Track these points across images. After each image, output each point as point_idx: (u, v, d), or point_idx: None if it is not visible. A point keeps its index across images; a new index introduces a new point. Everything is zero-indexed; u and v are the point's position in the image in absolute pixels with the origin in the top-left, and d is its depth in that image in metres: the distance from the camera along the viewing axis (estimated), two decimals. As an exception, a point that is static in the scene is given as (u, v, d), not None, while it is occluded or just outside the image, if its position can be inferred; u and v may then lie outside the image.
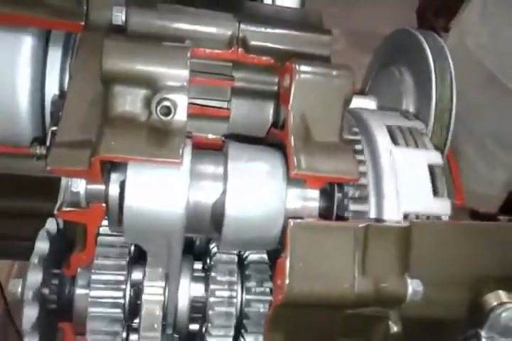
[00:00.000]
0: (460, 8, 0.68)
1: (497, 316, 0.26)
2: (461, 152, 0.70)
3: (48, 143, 0.27)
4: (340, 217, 0.26)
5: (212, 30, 0.29)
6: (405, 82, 0.39)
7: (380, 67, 0.43)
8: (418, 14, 0.83)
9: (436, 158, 0.29)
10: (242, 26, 0.31)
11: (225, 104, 0.31)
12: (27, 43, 0.31)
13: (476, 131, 0.66)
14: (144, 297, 0.27)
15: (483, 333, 0.27)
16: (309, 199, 0.25)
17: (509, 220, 0.32)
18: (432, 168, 0.29)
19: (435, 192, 0.28)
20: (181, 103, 0.24)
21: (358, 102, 0.42)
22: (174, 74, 0.24)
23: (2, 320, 1.28)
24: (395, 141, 0.29)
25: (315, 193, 0.25)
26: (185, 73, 0.25)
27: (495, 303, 0.27)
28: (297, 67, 0.26)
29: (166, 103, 0.23)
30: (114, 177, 0.23)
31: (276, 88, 0.31)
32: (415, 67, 0.38)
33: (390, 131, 0.30)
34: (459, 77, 0.73)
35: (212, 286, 0.26)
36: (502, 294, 0.27)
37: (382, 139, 0.29)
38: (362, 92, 0.45)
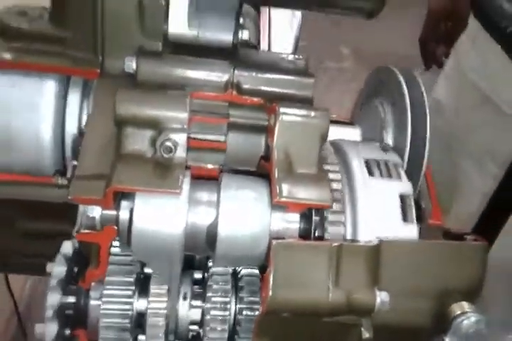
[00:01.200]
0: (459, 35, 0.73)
1: (459, 324, 0.30)
2: (459, 165, 0.73)
3: (69, 175, 0.31)
4: (320, 238, 0.30)
5: (210, 76, 0.34)
6: (386, 115, 0.43)
7: (366, 99, 0.47)
8: (421, 42, 0.88)
9: (407, 188, 0.33)
10: (236, 72, 0.35)
11: (222, 138, 0.36)
12: (50, 87, 0.36)
13: (472, 147, 0.70)
14: (149, 311, 0.31)
15: (447, 339, 0.31)
16: (290, 222, 0.29)
17: (474, 240, 0.36)
18: (402, 197, 0.33)
19: (404, 218, 0.32)
20: (181, 142, 0.29)
21: (344, 132, 0.47)
22: (175, 118, 0.29)
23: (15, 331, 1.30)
24: (370, 172, 0.33)
25: (295, 217, 0.29)
26: (184, 117, 0.29)
27: (458, 312, 0.31)
28: (280, 109, 0.31)
29: (168, 143, 0.27)
30: (124, 205, 0.28)
31: (266, 123, 0.36)
32: (394, 101, 0.42)
33: (367, 162, 0.34)
34: (456, 98, 0.77)
35: (208, 294, 0.30)
36: (465, 304, 0.31)
37: (359, 170, 0.33)
38: (351, 122, 0.49)
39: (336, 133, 0.45)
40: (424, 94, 0.42)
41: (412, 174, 0.41)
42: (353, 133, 0.47)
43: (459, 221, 0.74)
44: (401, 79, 0.42)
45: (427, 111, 0.41)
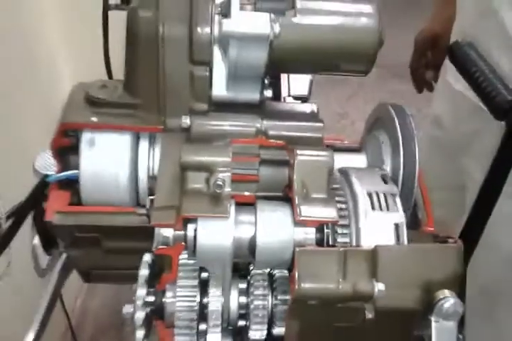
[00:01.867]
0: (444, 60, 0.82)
1: (441, 305, 0.39)
2: (465, 171, 0.81)
3: (147, 207, 0.43)
4: (331, 245, 0.40)
5: (245, 127, 0.45)
6: (384, 146, 0.53)
7: (369, 131, 0.57)
8: (411, 69, 0.97)
9: (400, 218, 0.42)
10: (264, 122, 0.46)
11: (255, 172, 0.46)
12: (126, 140, 0.47)
13: (475, 152, 0.77)
14: (210, 303, 0.42)
15: (432, 318, 0.40)
16: (308, 234, 0.39)
17: (454, 242, 0.45)
18: (396, 225, 0.42)
19: (397, 241, 0.42)
20: (227, 179, 0.40)
21: (352, 159, 0.57)
22: (222, 162, 0.40)
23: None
24: (372, 206, 0.42)
25: (312, 230, 0.39)
26: (228, 161, 0.40)
27: (440, 297, 0.40)
28: (297, 151, 0.42)
29: (219, 182, 0.38)
30: (190, 227, 0.39)
31: (288, 159, 0.47)
32: (390, 135, 0.52)
33: (370, 195, 0.43)
34: (452, 110, 0.86)
35: (251, 289, 0.40)
36: (446, 291, 0.40)
37: (363, 202, 0.42)
38: (360, 147, 0.59)
39: (345, 160, 0.56)
40: (413, 126, 0.52)
41: (407, 190, 0.51)
42: (360, 160, 0.57)
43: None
44: (393, 115, 0.53)
45: (416, 144, 0.51)
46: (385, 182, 0.46)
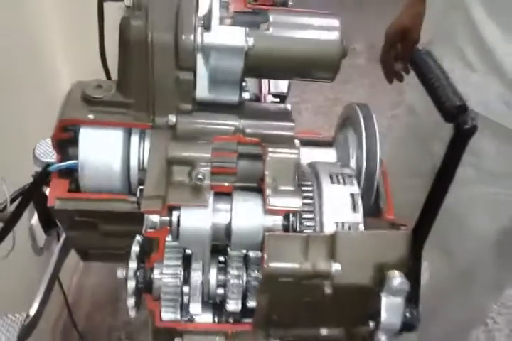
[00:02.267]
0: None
1: (390, 283, 0.46)
2: (437, 154, 0.88)
3: (138, 195, 0.49)
4: (296, 231, 0.47)
5: (225, 126, 0.50)
6: (351, 142, 0.59)
7: (340, 128, 0.63)
8: (381, 61, 1.03)
9: (355, 189, 0.48)
10: (242, 121, 0.51)
11: (233, 165, 0.52)
12: (119, 136, 0.52)
13: (444, 138, 0.83)
14: (192, 278, 0.48)
15: (382, 294, 0.47)
16: (276, 221, 0.45)
17: (406, 229, 0.51)
18: (352, 195, 0.49)
19: (354, 210, 0.48)
20: (207, 173, 0.46)
21: (323, 153, 0.63)
22: (203, 158, 0.46)
23: (64, 323, 1.47)
24: (332, 181, 0.49)
25: (280, 218, 0.45)
26: (208, 157, 0.46)
27: (390, 276, 0.46)
28: (268, 149, 0.47)
29: (199, 175, 0.44)
30: (174, 214, 0.44)
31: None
32: (356, 131, 0.58)
33: (330, 175, 0.50)
34: (423, 100, 0.92)
35: (228, 269, 0.46)
36: (395, 272, 0.46)
37: (325, 181, 0.49)
38: (331, 143, 0.64)
39: (317, 153, 0.62)
40: (376, 125, 0.58)
41: (369, 181, 0.57)
42: (330, 154, 0.62)
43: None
44: (359, 114, 0.58)
45: (377, 137, 0.57)
46: (343, 167, 0.53)
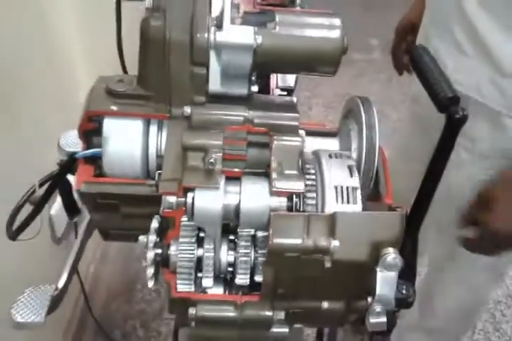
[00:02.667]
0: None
1: (384, 259, 0.50)
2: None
3: (156, 179, 0.54)
4: (299, 211, 0.51)
5: (235, 117, 0.54)
6: (353, 132, 0.63)
7: (343, 119, 0.67)
8: (392, 53, 1.08)
9: (351, 162, 0.53)
10: (251, 112, 0.55)
11: (243, 152, 0.57)
12: (139, 125, 0.57)
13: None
14: (204, 257, 0.53)
15: (377, 269, 0.51)
16: (281, 202, 0.50)
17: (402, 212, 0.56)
18: (349, 167, 0.52)
19: (351, 176, 0.52)
20: (219, 158, 0.50)
21: (327, 142, 0.67)
22: (215, 145, 0.51)
23: (80, 311, 1.52)
24: (330, 157, 0.54)
25: (284, 199, 0.50)
26: (220, 144, 0.51)
27: (384, 252, 0.51)
28: (274, 137, 0.52)
29: (212, 160, 0.49)
30: (189, 195, 0.49)
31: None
32: (357, 123, 0.62)
33: (330, 155, 0.54)
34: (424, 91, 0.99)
35: (237, 247, 0.52)
36: (390, 248, 0.51)
37: (325, 159, 0.53)
38: (335, 133, 0.69)
39: (321, 142, 0.66)
40: (375, 116, 0.62)
41: (369, 169, 0.61)
42: (333, 143, 0.67)
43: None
44: (360, 106, 0.63)
45: (377, 128, 0.61)
46: (347, 156, 0.57)
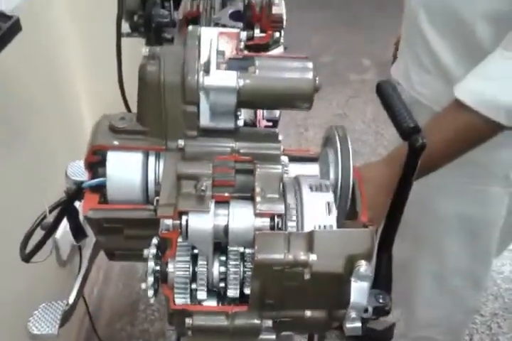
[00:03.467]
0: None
1: (357, 270, 0.55)
2: None
3: (155, 204, 0.61)
4: (281, 229, 0.58)
5: (224, 148, 0.61)
6: (331, 159, 0.70)
7: (323, 146, 0.75)
8: (394, 57, 1.17)
9: (330, 197, 0.60)
10: (237, 143, 0.62)
11: (232, 179, 0.64)
12: (139, 157, 0.64)
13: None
14: (198, 271, 0.59)
15: (352, 279, 0.57)
16: (264, 222, 0.57)
17: (374, 228, 0.63)
18: (327, 203, 0.60)
19: (328, 214, 0.59)
20: (209, 185, 0.58)
21: (307, 168, 0.74)
22: (206, 174, 0.58)
23: (86, 331, 1.57)
24: (311, 189, 0.61)
25: (267, 220, 0.56)
26: (210, 173, 0.58)
27: (358, 264, 0.57)
28: (257, 166, 0.60)
29: (203, 187, 0.56)
30: (183, 218, 0.56)
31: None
32: (334, 151, 0.70)
33: (310, 185, 0.62)
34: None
35: (228, 262, 0.58)
36: (362, 261, 0.57)
37: (305, 190, 0.61)
38: (317, 159, 0.76)
39: (303, 168, 0.74)
40: (349, 143, 0.69)
41: (344, 193, 0.68)
42: (313, 168, 0.74)
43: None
44: (336, 135, 0.70)
45: (351, 154, 0.68)
46: (323, 178, 0.65)
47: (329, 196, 0.61)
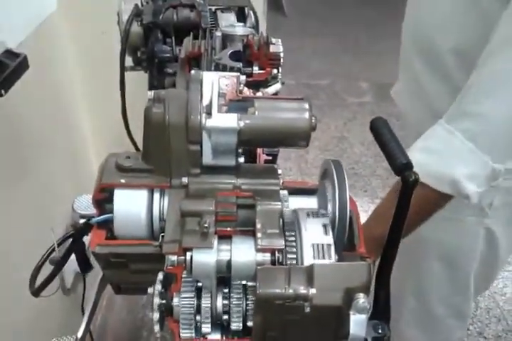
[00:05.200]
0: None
1: (356, 303, 0.56)
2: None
3: (160, 240, 0.63)
4: (281, 264, 0.61)
5: (225, 184, 0.64)
6: (328, 191, 0.73)
7: (321, 178, 0.77)
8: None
9: (326, 221, 0.62)
10: (239, 180, 0.65)
11: (234, 214, 0.66)
12: (144, 194, 0.67)
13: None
14: (202, 304, 0.62)
15: (350, 312, 0.60)
16: (265, 257, 0.59)
17: (370, 261, 0.65)
18: (324, 225, 0.62)
19: (326, 234, 0.61)
20: (212, 221, 0.60)
21: (305, 201, 0.77)
22: (208, 211, 0.61)
23: None
24: (308, 216, 0.63)
25: (268, 255, 0.59)
26: (212, 210, 0.61)
27: (356, 298, 0.60)
28: (258, 202, 0.62)
29: (206, 224, 0.59)
30: (188, 254, 0.58)
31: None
32: (331, 184, 0.72)
33: (307, 213, 0.65)
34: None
35: (231, 295, 0.60)
36: (360, 294, 0.59)
37: (304, 229, 0.63)
38: (315, 191, 0.79)
39: (301, 200, 0.76)
40: (345, 177, 0.72)
41: (342, 225, 0.71)
42: (312, 202, 0.77)
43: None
44: (333, 170, 0.73)
45: (347, 187, 0.71)
46: (323, 216, 0.67)
47: (325, 219, 0.63)
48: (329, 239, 0.61)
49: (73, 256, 0.80)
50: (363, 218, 0.79)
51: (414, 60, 0.99)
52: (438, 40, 0.92)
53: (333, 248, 0.61)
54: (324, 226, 0.63)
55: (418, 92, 1.00)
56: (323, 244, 0.61)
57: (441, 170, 0.87)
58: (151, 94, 0.64)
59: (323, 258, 0.60)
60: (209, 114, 0.62)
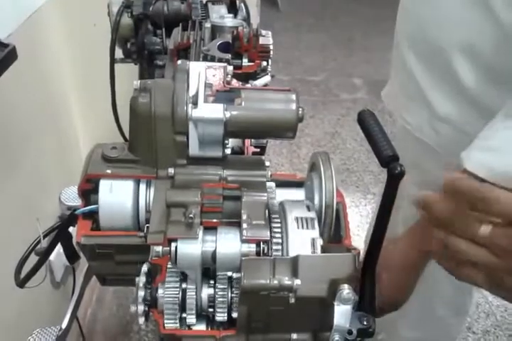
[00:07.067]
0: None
1: (340, 293, 0.56)
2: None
3: (145, 231, 0.63)
4: (266, 255, 0.61)
5: (212, 176, 0.64)
6: (315, 183, 0.73)
7: (309, 171, 0.77)
8: None
9: (316, 234, 0.61)
10: (225, 171, 0.65)
11: (220, 205, 0.66)
12: (130, 185, 0.67)
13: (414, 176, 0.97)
14: (187, 295, 0.62)
15: (335, 303, 0.60)
16: (250, 248, 0.59)
17: (356, 253, 0.65)
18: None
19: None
20: (198, 212, 0.60)
21: (293, 193, 0.77)
22: (194, 202, 0.61)
23: None
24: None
25: (253, 245, 0.59)
26: (198, 201, 0.61)
27: (341, 288, 0.59)
28: (244, 193, 0.62)
29: (191, 215, 0.59)
30: (173, 245, 0.58)
31: (241, 196, 0.66)
32: (318, 175, 0.72)
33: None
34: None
35: (216, 286, 0.60)
36: (345, 285, 0.59)
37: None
38: (302, 183, 0.79)
39: (289, 193, 0.76)
40: (332, 169, 0.72)
41: (328, 216, 0.70)
42: (300, 193, 0.77)
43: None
44: (320, 161, 0.73)
45: (334, 179, 0.71)
46: (309, 209, 0.67)
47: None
48: (312, 214, 0.61)
49: (62, 250, 0.79)
50: (354, 214, 0.79)
51: (410, 59, 0.98)
52: (442, 37, 0.90)
53: (316, 221, 0.61)
54: (308, 206, 0.63)
55: (414, 93, 0.99)
56: (306, 218, 0.61)
57: (508, 168, 0.83)
58: (137, 83, 0.63)
59: (307, 228, 0.60)
60: (195, 104, 0.61)
